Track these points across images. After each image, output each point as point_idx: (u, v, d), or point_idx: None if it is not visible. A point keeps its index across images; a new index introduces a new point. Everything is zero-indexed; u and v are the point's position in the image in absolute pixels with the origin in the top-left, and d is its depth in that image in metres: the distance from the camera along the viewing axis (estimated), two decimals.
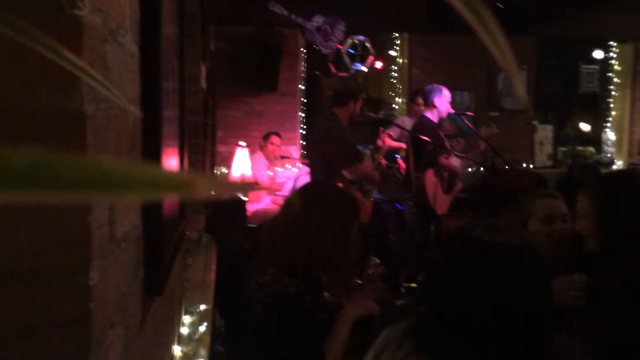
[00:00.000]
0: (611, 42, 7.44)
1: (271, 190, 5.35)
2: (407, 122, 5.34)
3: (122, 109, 0.82)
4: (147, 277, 0.99)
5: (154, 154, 1.01)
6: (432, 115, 4.80)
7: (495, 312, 1.11)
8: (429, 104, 4.84)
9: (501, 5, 6.06)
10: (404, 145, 5.34)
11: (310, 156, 4.51)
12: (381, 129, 4.94)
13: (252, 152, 5.12)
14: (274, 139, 5.74)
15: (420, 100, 5.20)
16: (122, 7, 0.80)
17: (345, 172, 3.97)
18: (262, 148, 5.71)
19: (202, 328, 1.71)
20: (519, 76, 0.24)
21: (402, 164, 5.31)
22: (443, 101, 4.81)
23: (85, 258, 0.62)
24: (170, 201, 1.24)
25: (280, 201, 5.55)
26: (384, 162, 4.59)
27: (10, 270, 0.60)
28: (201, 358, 1.56)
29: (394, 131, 5.53)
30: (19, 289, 0.61)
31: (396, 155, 5.58)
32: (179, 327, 1.68)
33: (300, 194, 1.90)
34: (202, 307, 1.88)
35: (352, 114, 4.24)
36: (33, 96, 0.59)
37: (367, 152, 6.01)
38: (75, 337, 0.62)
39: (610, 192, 1.72)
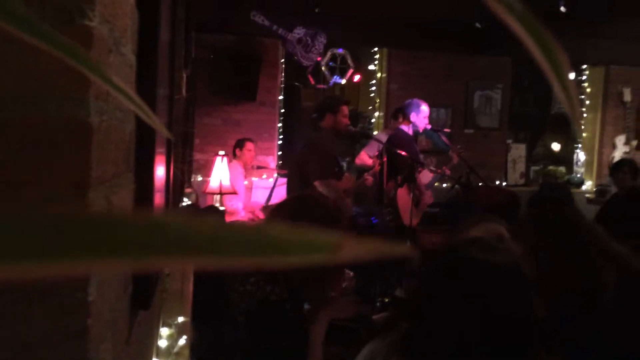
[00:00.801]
0: (583, 65, 7.65)
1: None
2: (384, 138, 5.39)
3: (120, 120, 0.80)
4: (136, 291, 0.97)
5: (146, 164, 0.99)
6: (407, 129, 4.85)
7: (484, 330, 1.13)
8: (406, 119, 4.89)
9: (479, 25, 6.18)
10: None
11: (289, 168, 4.41)
12: (378, 157, 4.80)
13: (229, 161, 5.09)
14: (249, 145, 5.67)
15: (401, 118, 5.22)
16: (125, 17, 0.79)
17: (317, 184, 3.86)
18: (238, 157, 5.64)
19: (181, 341, 1.68)
20: (580, 121, 0.25)
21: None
22: (420, 117, 4.87)
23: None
24: (159, 208, 1.22)
25: (256, 213, 5.52)
26: (369, 180, 4.45)
27: (9, 284, 0.59)
28: None
29: (371, 149, 5.55)
30: (17, 304, 0.59)
31: None
32: (157, 340, 1.65)
33: (285, 206, 1.90)
34: (180, 319, 1.85)
35: (336, 127, 4.07)
36: (41, 107, 0.58)
37: (344, 165, 6.04)
38: (72, 355, 0.60)
39: (530, 234, 1.74)
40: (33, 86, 0.57)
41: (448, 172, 5.03)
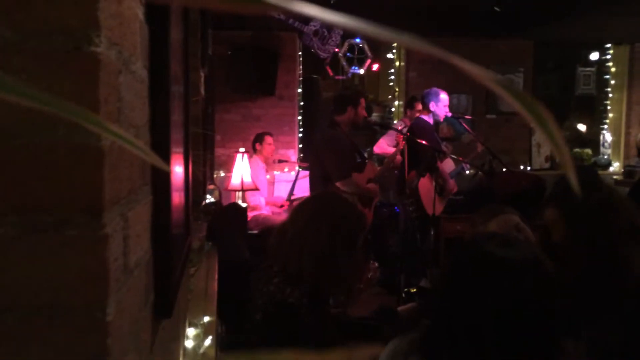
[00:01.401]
0: (607, 45, 7.47)
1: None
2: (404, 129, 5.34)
3: (134, 136, 0.82)
4: (157, 301, 0.99)
5: (162, 177, 1.01)
6: (428, 118, 4.80)
7: (504, 327, 1.12)
8: (425, 108, 4.85)
9: (498, 9, 6.07)
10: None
11: (310, 164, 4.41)
12: (399, 133, 4.76)
13: (249, 157, 5.13)
14: (269, 138, 5.70)
15: (419, 107, 5.18)
16: (134, 35, 0.80)
17: (339, 184, 3.86)
18: (258, 151, 5.67)
19: (207, 342, 1.71)
20: (573, 168, 0.25)
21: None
22: (439, 105, 4.81)
23: (102, 293, 0.62)
24: (178, 217, 1.24)
25: (279, 207, 5.55)
26: (399, 159, 4.45)
27: (29, 305, 0.60)
28: None
29: (390, 138, 5.51)
30: (37, 324, 0.61)
31: None
32: (183, 341, 1.68)
33: (310, 205, 1.91)
34: (206, 319, 1.88)
35: (355, 120, 4.05)
36: (50, 133, 0.59)
37: (366, 154, 6.02)
38: None
39: (576, 201, 1.71)
40: (40, 113, 0.58)
41: (466, 165, 4.98)
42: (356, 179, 3.96)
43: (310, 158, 4.38)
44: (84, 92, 0.60)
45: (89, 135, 0.61)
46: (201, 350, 1.68)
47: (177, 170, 1.32)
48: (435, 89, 4.82)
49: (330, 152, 3.90)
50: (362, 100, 4.11)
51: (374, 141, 6.20)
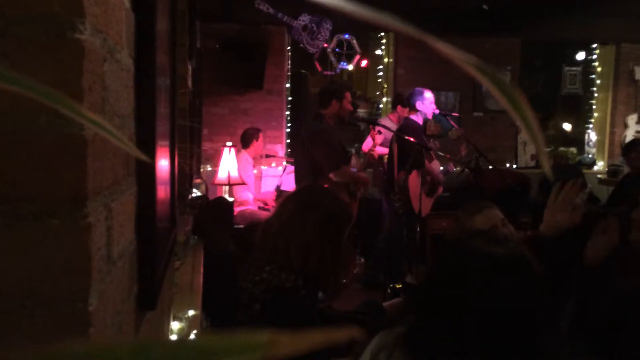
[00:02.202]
0: (593, 44, 7.54)
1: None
2: (389, 125, 5.35)
3: (119, 126, 0.81)
4: (141, 292, 0.98)
5: (147, 168, 1.00)
6: (417, 118, 4.82)
7: (488, 324, 1.12)
8: (412, 109, 4.86)
9: (486, 7, 6.09)
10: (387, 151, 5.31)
11: (296, 158, 4.41)
12: (373, 128, 4.80)
13: (237, 151, 5.10)
14: (261, 135, 5.69)
15: (407, 107, 5.19)
16: (119, 24, 0.79)
17: (331, 175, 3.89)
18: (251, 146, 5.62)
19: (192, 336, 1.70)
20: (546, 154, 0.25)
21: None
22: (425, 104, 4.83)
23: (85, 283, 0.62)
24: (163, 209, 1.23)
25: (267, 202, 5.54)
26: (376, 154, 4.49)
27: (10, 295, 0.60)
28: None
29: (378, 137, 5.52)
30: (19, 315, 0.60)
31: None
32: (167, 335, 1.67)
33: (296, 198, 1.90)
34: (191, 312, 1.87)
35: (340, 113, 4.07)
36: (32, 122, 0.59)
37: (352, 150, 6.03)
38: None
39: None
40: (22, 101, 0.57)
41: (451, 167, 5.02)
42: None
43: (296, 152, 4.37)
44: (68, 79, 0.60)
45: (71, 124, 0.60)
46: None
47: (163, 162, 1.31)
48: (418, 89, 4.84)
49: (319, 144, 3.91)
50: (347, 94, 4.13)
51: (360, 138, 6.21)
